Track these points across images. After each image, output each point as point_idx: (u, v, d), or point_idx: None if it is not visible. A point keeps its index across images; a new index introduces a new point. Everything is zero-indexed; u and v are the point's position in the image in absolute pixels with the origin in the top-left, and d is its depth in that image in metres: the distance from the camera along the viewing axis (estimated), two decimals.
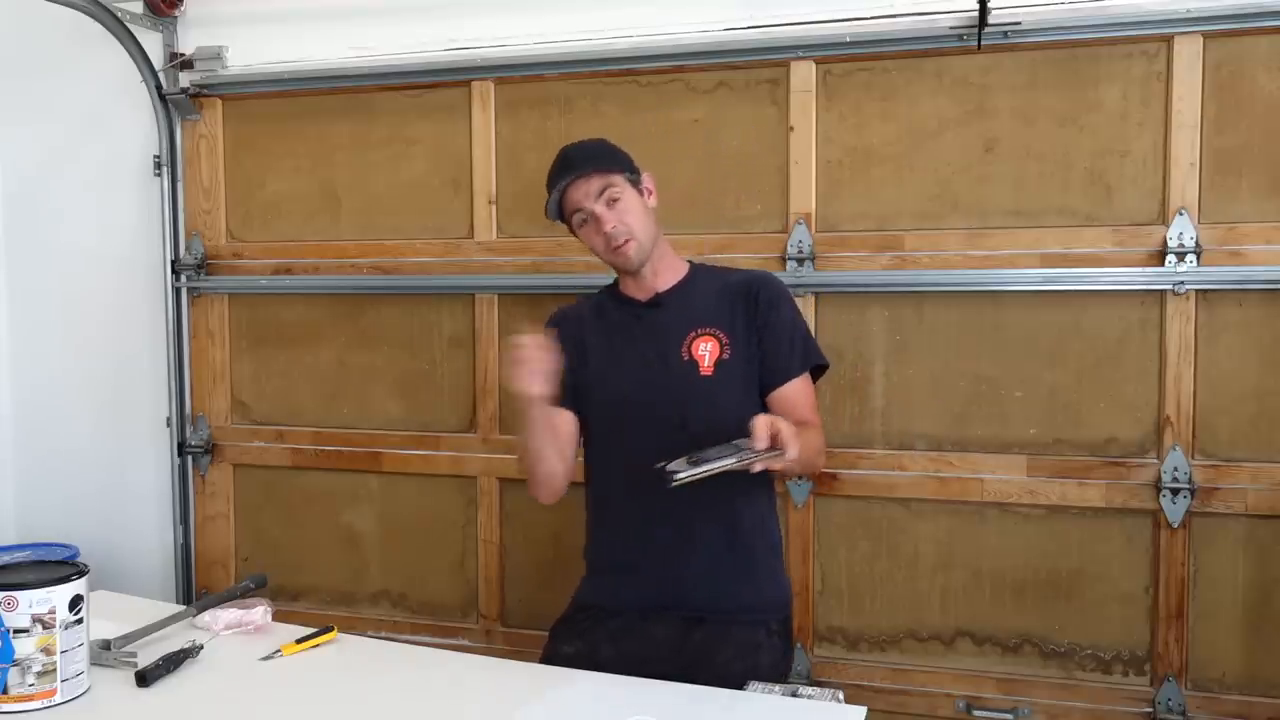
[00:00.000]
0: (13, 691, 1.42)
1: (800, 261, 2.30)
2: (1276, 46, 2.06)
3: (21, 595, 1.42)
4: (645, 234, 1.87)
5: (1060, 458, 2.20)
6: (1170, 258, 2.10)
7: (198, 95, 2.70)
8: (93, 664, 1.52)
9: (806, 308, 2.25)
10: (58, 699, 1.44)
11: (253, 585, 1.90)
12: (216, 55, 2.68)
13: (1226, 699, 2.14)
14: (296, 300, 2.70)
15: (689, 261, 1.99)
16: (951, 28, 2.17)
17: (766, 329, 1.87)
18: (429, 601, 2.65)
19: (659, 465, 1.59)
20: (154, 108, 2.71)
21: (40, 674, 1.43)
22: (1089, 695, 2.20)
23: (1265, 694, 2.12)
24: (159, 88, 2.70)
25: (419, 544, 2.64)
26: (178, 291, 2.76)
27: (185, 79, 2.71)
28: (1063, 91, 2.17)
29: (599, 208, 1.85)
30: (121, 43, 2.64)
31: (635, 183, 1.91)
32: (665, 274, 1.94)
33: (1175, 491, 2.13)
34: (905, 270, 2.25)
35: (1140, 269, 2.13)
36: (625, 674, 1.58)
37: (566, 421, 1.97)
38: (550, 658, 1.85)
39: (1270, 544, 2.12)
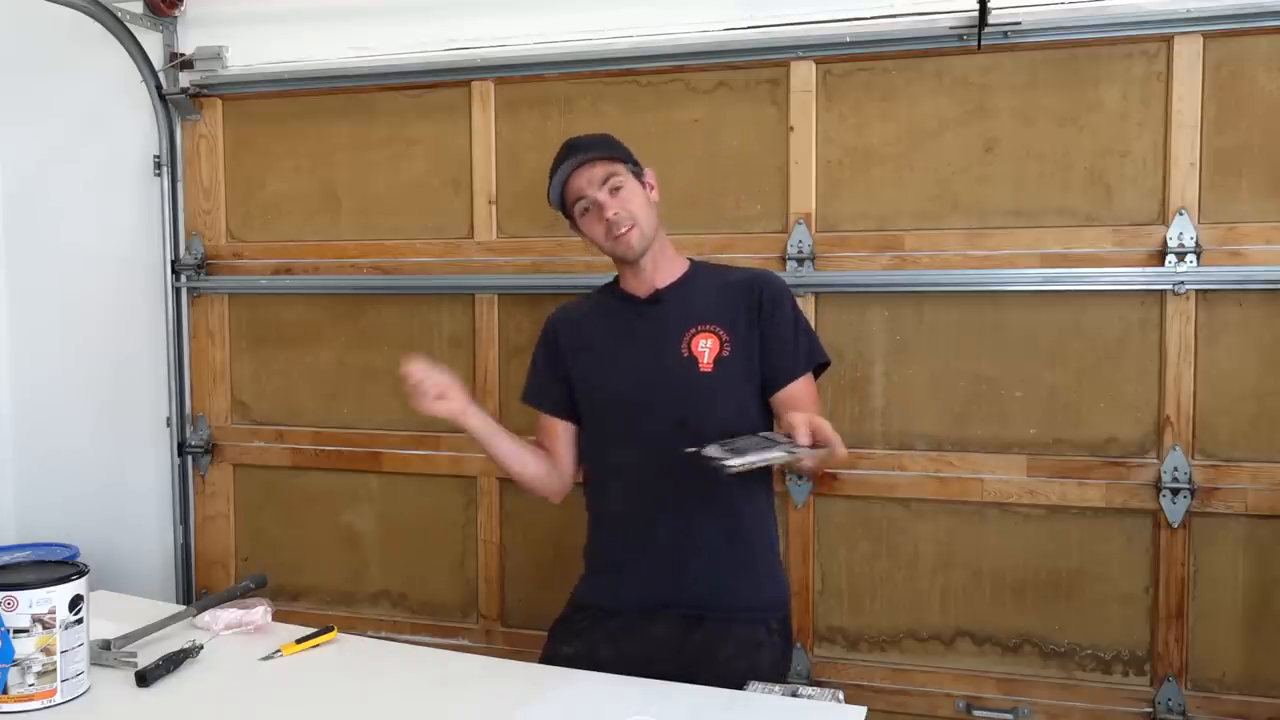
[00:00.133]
0: (13, 691, 1.42)
1: (800, 261, 2.30)
2: (1276, 46, 2.06)
3: (21, 595, 1.42)
4: (647, 222, 1.87)
5: (1060, 458, 2.20)
6: (1170, 258, 2.10)
7: (198, 95, 2.70)
8: (93, 664, 1.53)
9: (807, 308, 2.25)
10: (58, 699, 1.45)
11: (253, 585, 1.91)
12: (216, 55, 2.68)
13: (1226, 699, 2.14)
14: (296, 300, 2.70)
15: (690, 260, 1.99)
16: (951, 28, 2.17)
17: (769, 328, 1.86)
18: (429, 601, 2.65)
19: (690, 450, 1.59)
20: (154, 108, 2.71)
21: (40, 674, 1.43)
22: (1089, 695, 2.20)
23: (1265, 694, 2.12)
24: (159, 88, 2.70)
25: (419, 544, 2.64)
26: (178, 291, 2.76)
27: (185, 79, 2.71)
28: (1063, 91, 2.17)
29: (602, 195, 1.85)
30: (121, 43, 2.64)
31: (638, 175, 1.91)
32: (665, 270, 1.93)
33: (1175, 491, 2.13)
34: (905, 270, 2.25)
35: (1140, 269, 2.13)
36: (626, 674, 1.58)
37: (556, 427, 1.99)
38: (550, 658, 1.85)
39: (1270, 544, 2.12)
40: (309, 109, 2.64)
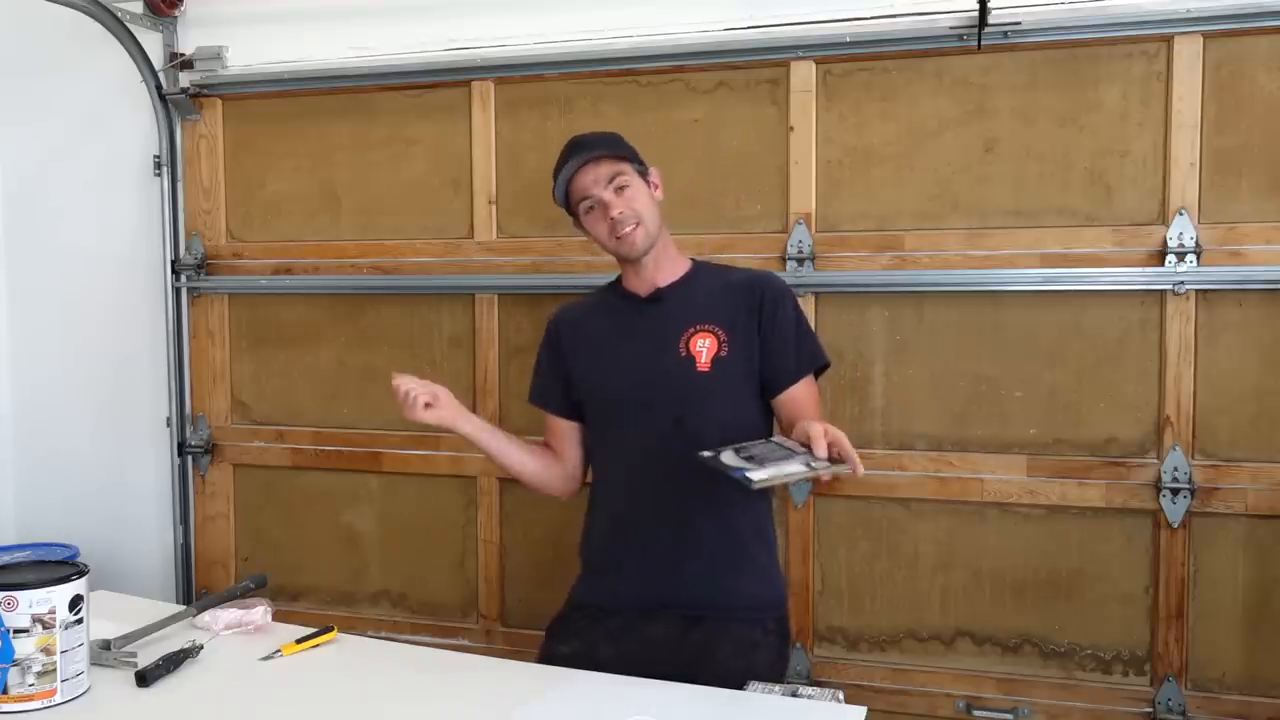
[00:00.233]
0: (13, 691, 1.42)
1: (800, 261, 2.30)
2: (1276, 46, 2.06)
3: (21, 595, 1.42)
4: (652, 221, 1.87)
5: (1060, 458, 2.20)
6: (1170, 258, 2.10)
7: (198, 95, 2.70)
8: (93, 664, 1.53)
9: (807, 308, 2.25)
10: (58, 699, 1.45)
11: (253, 585, 1.91)
12: (216, 55, 2.68)
13: (1226, 699, 2.14)
14: (296, 300, 2.70)
15: (692, 259, 1.99)
16: (951, 28, 2.17)
17: (770, 329, 1.86)
18: (429, 601, 2.64)
19: (705, 455, 1.58)
20: (154, 108, 2.71)
21: (40, 674, 1.43)
22: (1089, 695, 2.20)
23: (1265, 694, 2.12)
24: (159, 88, 2.70)
25: (419, 544, 2.64)
26: (178, 291, 2.76)
27: (185, 79, 2.71)
28: (1063, 91, 2.17)
29: (607, 194, 1.85)
30: (121, 43, 2.64)
31: (643, 174, 1.91)
32: (667, 269, 1.93)
33: (1175, 491, 2.13)
34: (905, 270, 2.25)
35: (1140, 269, 2.13)
36: (624, 673, 1.58)
37: (561, 427, 2.00)
38: (548, 657, 1.85)
39: (1270, 544, 2.12)
40: (309, 109, 2.64)
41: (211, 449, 2.78)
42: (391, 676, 1.61)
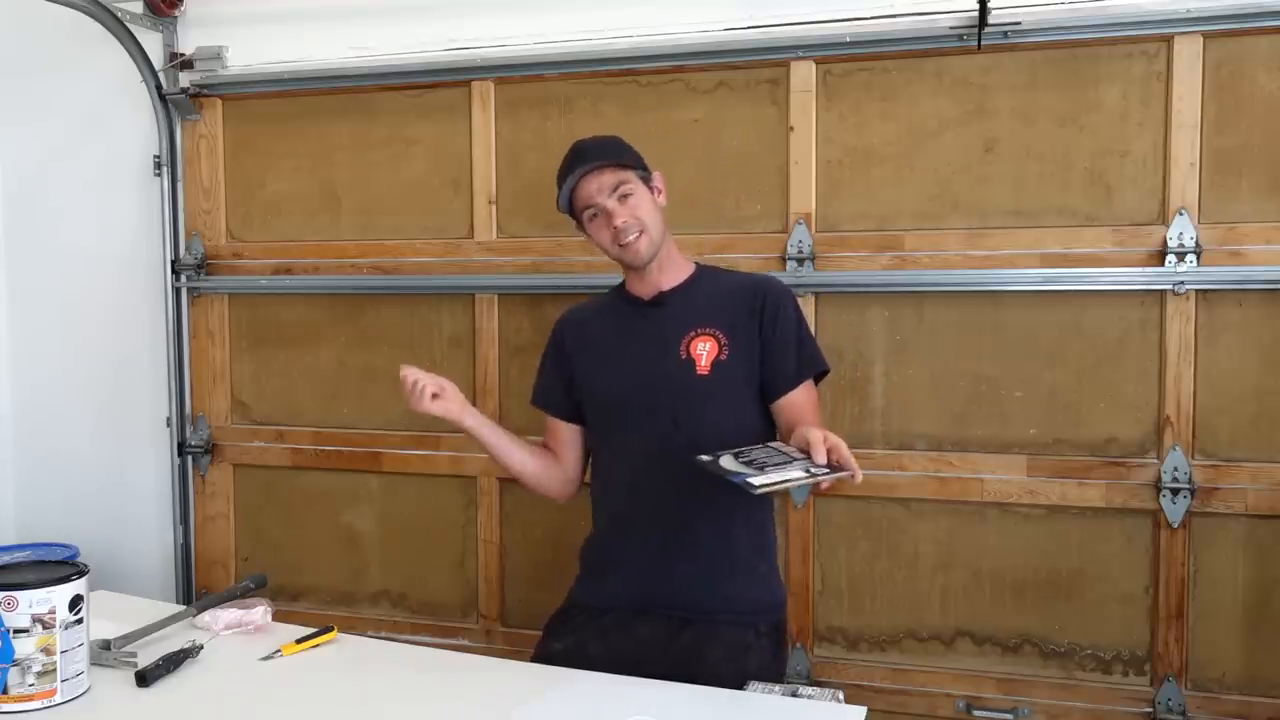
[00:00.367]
0: (13, 691, 1.42)
1: (800, 261, 2.30)
2: (1276, 46, 2.06)
3: (21, 595, 1.42)
4: (655, 228, 1.88)
5: (1060, 458, 2.20)
6: (1170, 258, 2.10)
7: (198, 95, 2.70)
8: (93, 664, 1.53)
9: (806, 308, 2.25)
10: (58, 699, 1.45)
11: (253, 585, 1.91)
12: (216, 55, 2.68)
13: (1226, 699, 2.14)
14: (296, 300, 2.70)
15: (695, 263, 2.00)
16: (951, 28, 2.17)
17: (770, 334, 1.87)
18: (429, 601, 2.64)
19: (704, 459, 1.58)
20: (154, 108, 2.71)
21: (40, 674, 1.43)
22: (1089, 695, 2.20)
23: (1265, 694, 2.12)
24: (159, 88, 2.70)
25: (419, 544, 2.64)
26: (178, 291, 2.76)
27: (185, 79, 2.71)
28: (1063, 91, 2.17)
29: (610, 203, 1.85)
30: (121, 43, 2.64)
31: (646, 180, 1.92)
32: (670, 273, 1.94)
33: (1175, 491, 2.13)
34: (905, 270, 2.25)
35: (1140, 269, 2.13)
36: (614, 671, 1.58)
37: (561, 429, 2.01)
38: (542, 653, 1.87)
39: (1270, 544, 2.12)
40: (309, 109, 2.64)
41: (211, 449, 2.78)
42: (391, 676, 1.61)
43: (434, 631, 2.60)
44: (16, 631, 1.42)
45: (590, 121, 2.38)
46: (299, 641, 1.69)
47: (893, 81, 2.26)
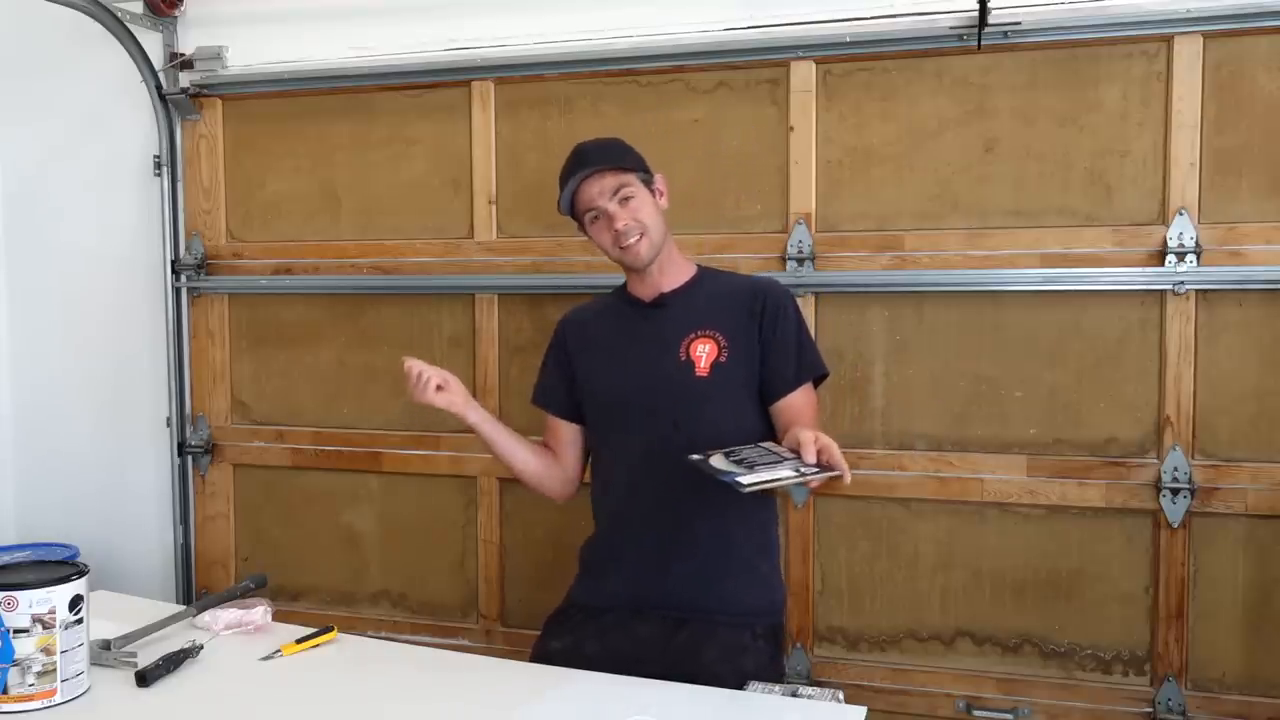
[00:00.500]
0: (13, 691, 1.42)
1: (800, 261, 2.30)
2: (1276, 46, 2.06)
3: (21, 595, 1.42)
4: (656, 231, 1.88)
5: (1060, 458, 2.20)
6: (1170, 258, 2.10)
7: (198, 95, 2.70)
8: (93, 664, 1.52)
9: (806, 308, 2.25)
10: (58, 699, 1.45)
11: (253, 585, 1.90)
12: (216, 55, 2.68)
13: (1226, 699, 2.14)
14: (296, 300, 2.70)
15: (697, 265, 2.00)
16: (951, 28, 2.17)
17: (770, 336, 1.87)
18: (429, 601, 2.65)
19: (694, 458, 1.59)
20: (154, 108, 2.71)
21: (40, 674, 1.43)
22: (1089, 695, 2.20)
23: (1265, 694, 2.12)
24: (159, 88, 2.70)
25: (419, 544, 2.64)
26: (178, 291, 2.76)
27: (185, 79, 2.71)
28: (1063, 91, 2.17)
29: (612, 206, 1.85)
30: (121, 43, 2.64)
31: (648, 183, 1.92)
32: (672, 275, 1.94)
33: (1175, 491, 2.13)
34: (905, 270, 2.25)
35: (1140, 269, 2.13)
36: (612, 671, 1.58)
37: (561, 428, 2.01)
38: (540, 652, 1.87)
39: (1270, 544, 2.12)
40: (309, 109, 2.64)
41: (211, 449, 2.78)
42: (391, 676, 1.61)
43: (434, 631, 2.60)
44: (16, 631, 1.42)
45: (590, 121, 2.38)
46: (299, 641, 1.68)
47: (893, 81, 2.26)
